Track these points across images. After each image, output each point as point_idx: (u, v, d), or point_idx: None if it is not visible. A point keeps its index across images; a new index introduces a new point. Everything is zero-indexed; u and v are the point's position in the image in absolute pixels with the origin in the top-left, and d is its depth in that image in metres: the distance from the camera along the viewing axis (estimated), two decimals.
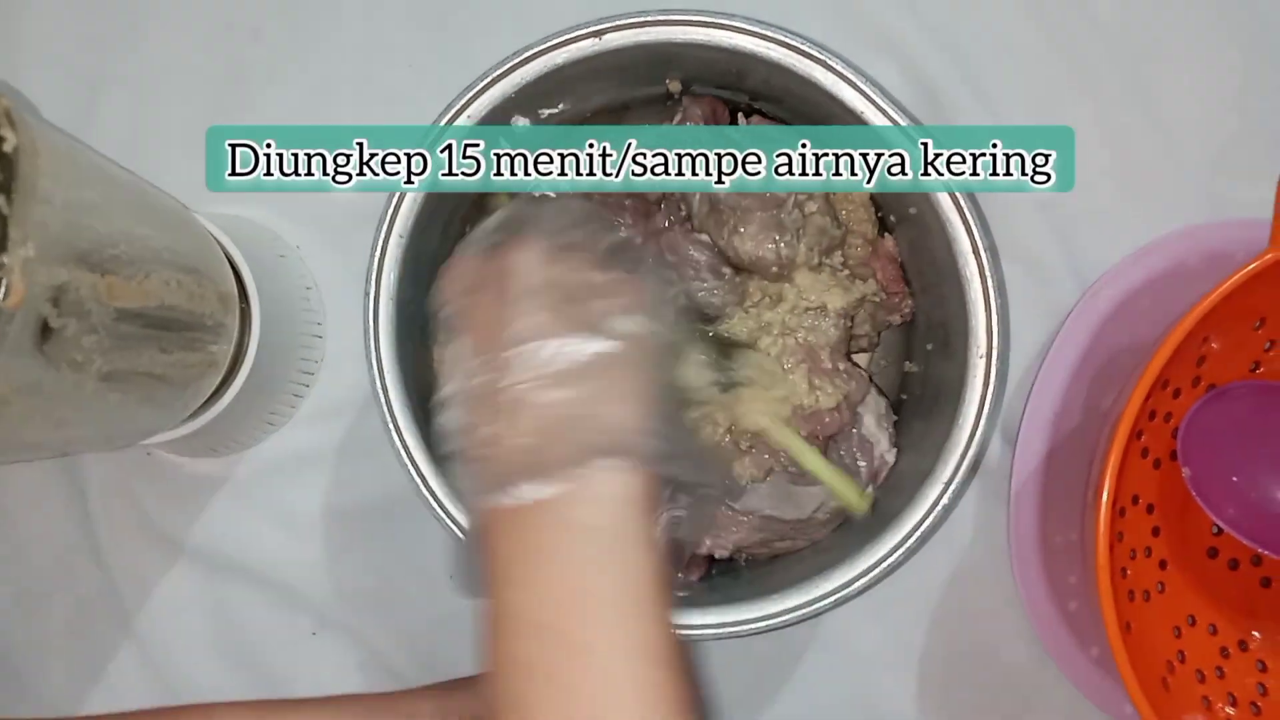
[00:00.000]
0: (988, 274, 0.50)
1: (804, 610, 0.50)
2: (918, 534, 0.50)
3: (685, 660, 0.38)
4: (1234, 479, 0.54)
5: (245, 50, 0.64)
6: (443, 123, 0.50)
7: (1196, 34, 0.62)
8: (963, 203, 0.50)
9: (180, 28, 0.64)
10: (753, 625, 0.50)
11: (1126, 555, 0.54)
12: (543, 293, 0.41)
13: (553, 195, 0.53)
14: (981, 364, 0.50)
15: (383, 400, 0.50)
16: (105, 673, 0.63)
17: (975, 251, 0.50)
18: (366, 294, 0.51)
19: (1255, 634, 0.56)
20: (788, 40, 0.50)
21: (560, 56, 0.50)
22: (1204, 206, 0.61)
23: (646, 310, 0.42)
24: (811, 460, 0.52)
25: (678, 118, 0.55)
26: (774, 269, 0.53)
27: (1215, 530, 0.58)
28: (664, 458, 0.40)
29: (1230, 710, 0.53)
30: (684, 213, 0.55)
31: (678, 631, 0.39)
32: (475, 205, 0.56)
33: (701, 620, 0.50)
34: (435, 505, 0.50)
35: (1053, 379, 0.58)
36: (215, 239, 0.56)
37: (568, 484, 0.38)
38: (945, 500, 0.50)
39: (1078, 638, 0.58)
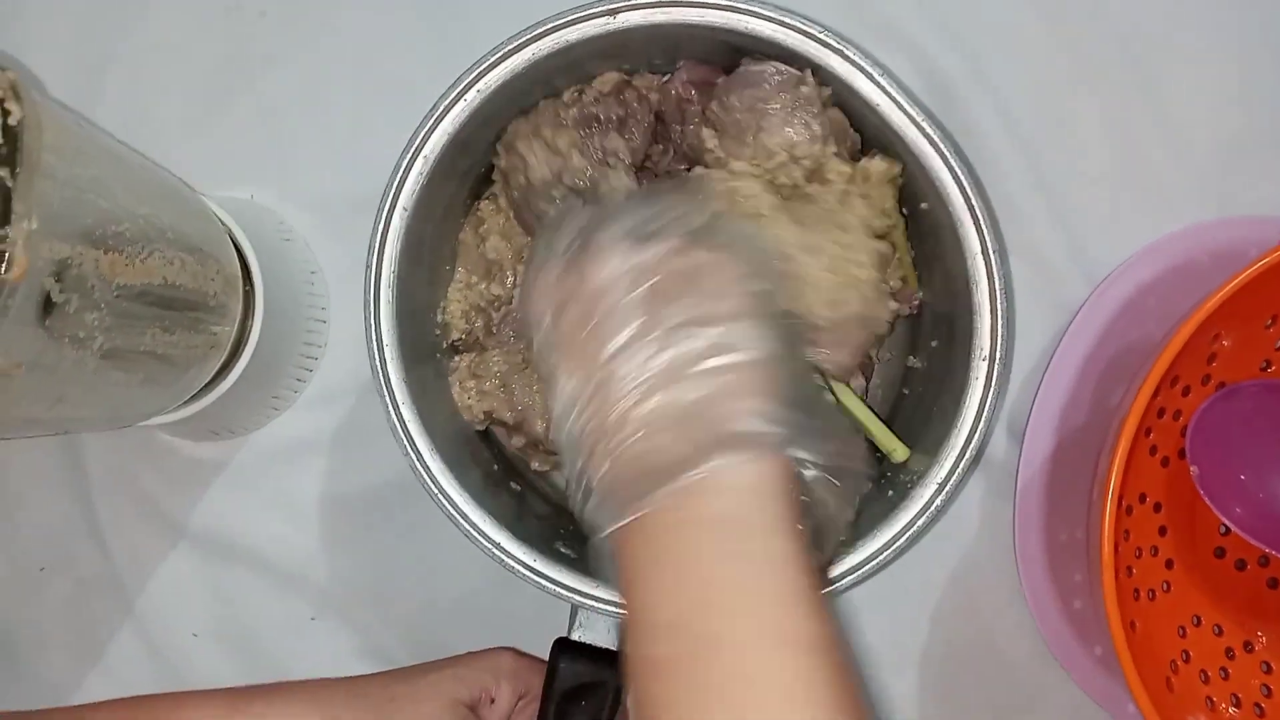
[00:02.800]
0: (995, 276, 0.49)
1: None
2: (909, 534, 0.50)
3: (840, 646, 0.36)
4: (1242, 478, 0.54)
5: (250, 31, 0.63)
6: (452, 96, 0.50)
7: (1205, 30, 0.62)
8: (974, 202, 0.49)
9: (185, 8, 0.63)
10: None
11: (1132, 554, 0.54)
12: (634, 295, 0.39)
13: (616, 192, 0.51)
14: (984, 366, 0.50)
15: (381, 376, 0.50)
16: (104, 654, 0.62)
17: (985, 253, 0.49)
18: (368, 266, 0.50)
19: (1261, 635, 0.56)
20: (805, 27, 0.49)
21: (572, 34, 0.50)
22: (1213, 204, 0.61)
23: (748, 286, 0.40)
24: (855, 405, 0.51)
25: (666, 79, 0.54)
26: (805, 158, 0.50)
27: (1223, 530, 0.57)
28: (792, 441, 0.38)
29: (1234, 711, 0.53)
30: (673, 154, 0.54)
31: (830, 617, 0.36)
32: (483, 179, 0.57)
33: None
34: (431, 484, 0.50)
35: (1060, 376, 0.58)
36: (220, 220, 0.56)
37: (689, 483, 0.37)
38: (939, 502, 0.49)
39: (1081, 636, 0.58)
